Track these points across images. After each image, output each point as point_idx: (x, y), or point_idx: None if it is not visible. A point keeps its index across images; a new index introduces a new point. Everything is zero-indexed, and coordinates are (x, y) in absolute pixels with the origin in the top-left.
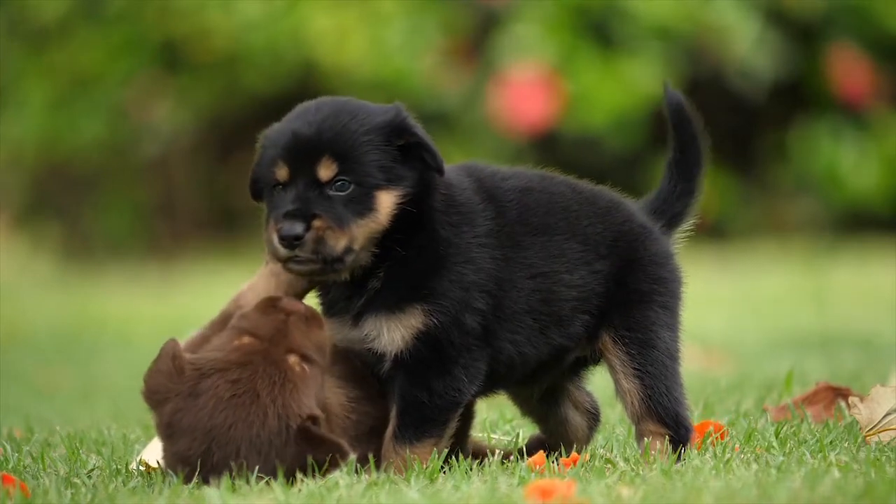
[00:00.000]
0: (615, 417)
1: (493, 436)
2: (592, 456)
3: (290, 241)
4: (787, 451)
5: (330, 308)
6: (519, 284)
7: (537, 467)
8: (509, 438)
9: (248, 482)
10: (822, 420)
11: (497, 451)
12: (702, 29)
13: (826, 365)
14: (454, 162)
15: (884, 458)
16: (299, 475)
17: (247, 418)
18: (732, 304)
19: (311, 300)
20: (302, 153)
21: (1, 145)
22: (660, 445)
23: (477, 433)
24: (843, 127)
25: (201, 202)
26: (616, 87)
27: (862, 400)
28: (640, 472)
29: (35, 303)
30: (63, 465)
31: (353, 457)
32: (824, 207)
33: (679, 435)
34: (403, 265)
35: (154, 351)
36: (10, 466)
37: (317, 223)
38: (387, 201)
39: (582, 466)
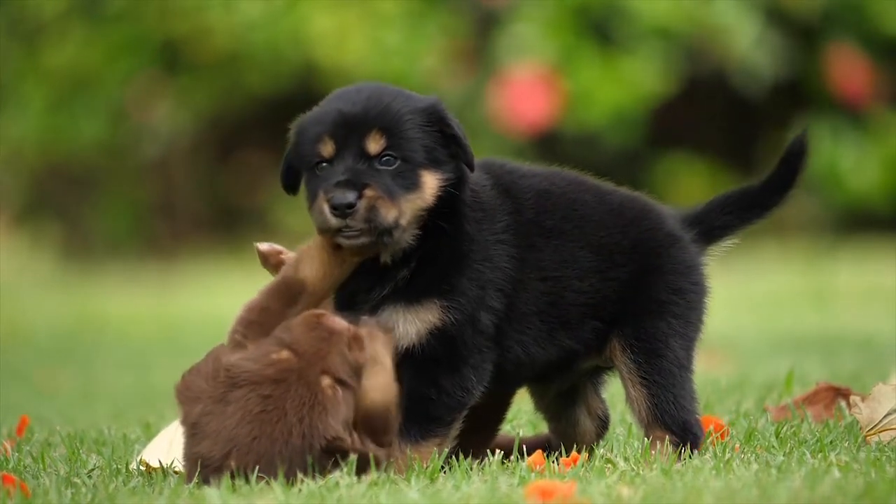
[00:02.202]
0: (615, 418)
1: None
2: (592, 456)
3: (343, 210)
4: (788, 450)
5: (345, 303)
6: (529, 286)
7: (537, 467)
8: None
9: (248, 482)
10: (822, 420)
11: (497, 451)
12: (702, 28)
13: (826, 365)
14: None
15: (884, 458)
16: (299, 475)
17: (271, 434)
18: (733, 304)
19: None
20: (349, 127)
21: (1, 145)
22: (662, 448)
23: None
24: (843, 127)
25: (201, 202)
26: (616, 86)
27: (863, 399)
28: (641, 472)
29: (35, 303)
30: (63, 464)
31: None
32: (824, 207)
33: (686, 442)
34: (431, 257)
35: (153, 350)
36: (10, 466)
37: (368, 192)
38: (431, 181)
39: (582, 466)
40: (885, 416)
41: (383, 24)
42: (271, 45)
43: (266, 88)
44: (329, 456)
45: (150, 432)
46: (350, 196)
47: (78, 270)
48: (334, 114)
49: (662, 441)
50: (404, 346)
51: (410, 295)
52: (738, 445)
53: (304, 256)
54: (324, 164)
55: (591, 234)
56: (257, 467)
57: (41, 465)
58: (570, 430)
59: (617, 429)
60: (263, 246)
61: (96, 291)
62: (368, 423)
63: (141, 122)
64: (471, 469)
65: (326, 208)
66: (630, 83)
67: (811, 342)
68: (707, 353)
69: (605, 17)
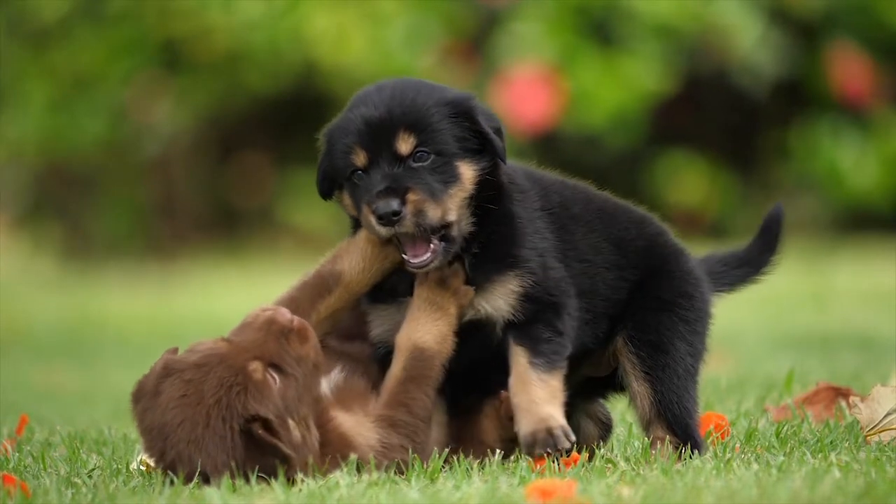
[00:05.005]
0: (615, 417)
1: None
2: (593, 456)
3: (389, 218)
4: (788, 450)
5: (389, 294)
6: (572, 264)
7: (538, 467)
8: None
9: (248, 482)
10: (822, 420)
11: (497, 451)
12: (704, 27)
13: (826, 365)
14: None
15: (884, 458)
16: (300, 475)
17: (192, 418)
18: (733, 304)
19: None
20: (376, 133)
21: (1, 145)
22: (663, 448)
23: None
24: (844, 126)
25: (201, 202)
26: (616, 86)
27: (863, 400)
28: (641, 472)
29: (35, 303)
30: (63, 464)
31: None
32: (825, 206)
33: (686, 444)
34: (486, 241)
35: (153, 350)
36: (10, 466)
37: (412, 196)
38: (468, 171)
39: (582, 466)
40: (885, 417)
41: (383, 22)
42: (271, 44)
43: (266, 88)
44: (253, 441)
45: None
46: (393, 204)
47: (78, 270)
48: (359, 121)
49: (663, 441)
50: (503, 319)
51: (481, 277)
52: (738, 445)
53: (346, 249)
54: (360, 173)
55: (609, 226)
56: (189, 457)
57: (41, 465)
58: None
59: (617, 428)
60: None
61: (96, 291)
62: (412, 364)
63: (141, 121)
64: (471, 469)
65: (373, 220)
66: (630, 83)
67: (811, 342)
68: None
69: (605, 16)
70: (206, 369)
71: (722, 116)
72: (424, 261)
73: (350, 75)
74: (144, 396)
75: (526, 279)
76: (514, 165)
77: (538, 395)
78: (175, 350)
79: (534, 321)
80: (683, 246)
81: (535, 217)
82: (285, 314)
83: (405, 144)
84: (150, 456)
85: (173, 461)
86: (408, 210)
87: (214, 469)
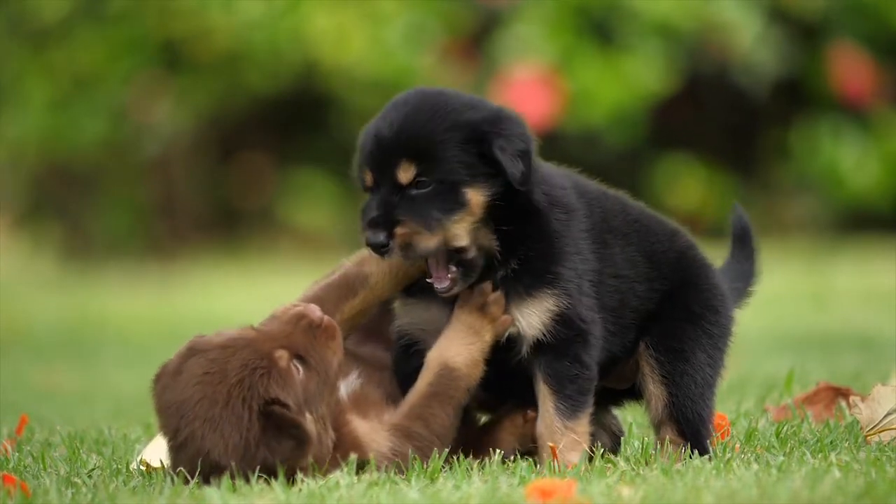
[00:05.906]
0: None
1: None
2: (593, 456)
3: (377, 249)
4: (788, 450)
5: (421, 291)
6: (607, 281)
7: (538, 467)
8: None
9: (248, 482)
10: (822, 420)
11: (498, 451)
12: (704, 25)
13: (826, 365)
14: None
15: (884, 457)
16: (300, 475)
17: (212, 395)
18: None
19: None
20: (382, 157)
21: (1, 145)
22: (664, 449)
23: None
24: (844, 125)
25: (201, 202)
26: (616, 85)
27: (863, 399)
28: (641, 472)
29: (35, 303)
30: (63, 464)
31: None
32: (825, 206)
33: (689, 447)
34: (523, 254)
35: (153, 350)
36: (10, 466)
37: (400, 230)
38: (476, 197)
39: (582, 466)
40: (885, 416)
41: (384, 22)
42: (271, 44)
43: (266, 88)
44: (270, 423)
45: (150, 432)
46: (380, 236)
47: (78, 270)
48: (371, 142)
49: (670, 445)
50: (533, 337)
51: (519, 291)
52: (738, 445)
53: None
54: (368, 190)
55: (643, 237)
56: (202, 436)
57: (41, 465)
58: None
59: None
60: None
61: (96, 291)
62: (439, 381)
63: (141, 121)
64: (471, 469)
65: (365, 245)
66: (631, 82)
67: (811, 342)
68: None
69: (605, 16)
70: (232, 351)
71: (722, 116)
72: (445, 287)
73: (350, 75)
74: (166, 375)
75: (563, 299)
76: (564, 179)
77: (562, 443)
78: (203, 336)
79: (562, 354)
80: (710, 260)
81: (580, 238)
82: (316, 310)
83: (405, 174)
84: (164, 435)
85: (186, 440)
86: (395, 243)
87: (225, 451)
